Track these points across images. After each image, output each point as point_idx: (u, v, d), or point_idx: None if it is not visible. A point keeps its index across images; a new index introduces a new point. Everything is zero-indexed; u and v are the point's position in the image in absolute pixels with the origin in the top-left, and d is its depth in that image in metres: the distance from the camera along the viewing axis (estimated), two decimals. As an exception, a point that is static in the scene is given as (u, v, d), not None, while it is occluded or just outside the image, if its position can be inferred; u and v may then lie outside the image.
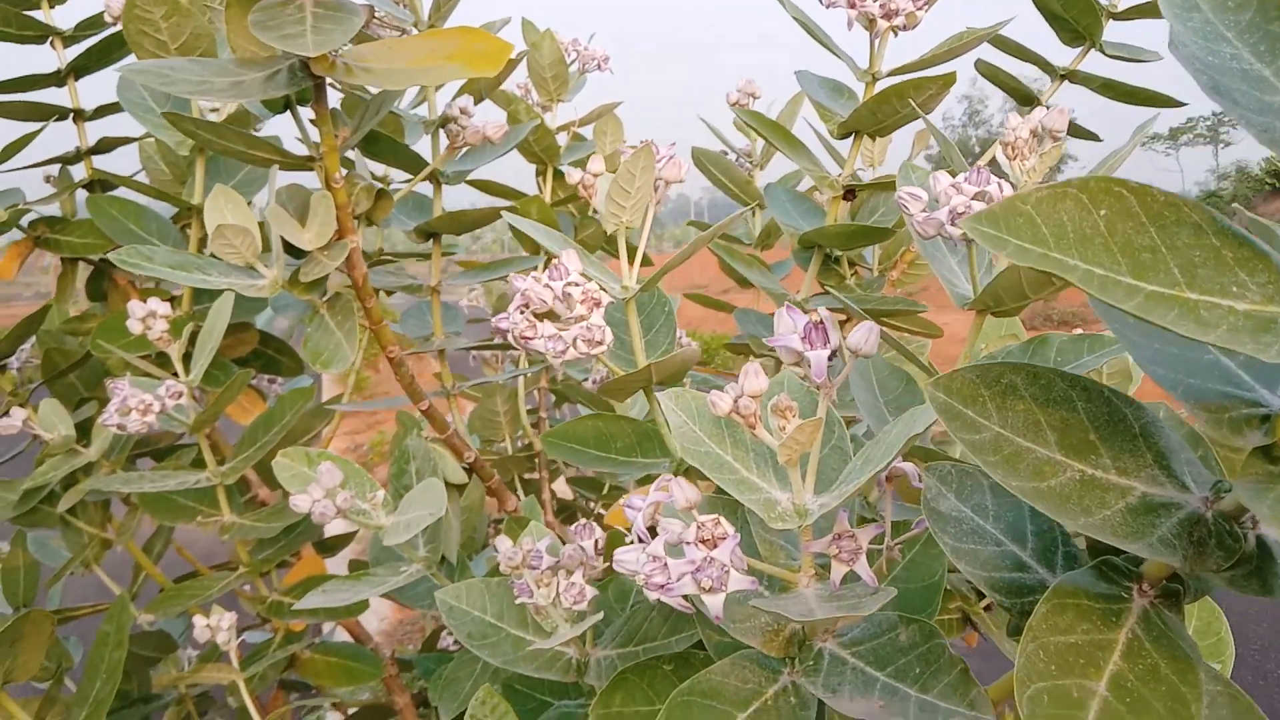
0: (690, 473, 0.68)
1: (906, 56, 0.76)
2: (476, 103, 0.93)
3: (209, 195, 0.70)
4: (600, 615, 0.64)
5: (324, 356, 0.70)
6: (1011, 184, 0.54)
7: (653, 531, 0.43)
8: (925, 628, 0.47)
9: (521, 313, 0.60)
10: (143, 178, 1.11)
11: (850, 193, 0.79)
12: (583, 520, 0.64)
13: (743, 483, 0.45)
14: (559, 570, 0.64)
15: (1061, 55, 0.95)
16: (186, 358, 0.92)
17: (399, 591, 0.83)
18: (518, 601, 0.64)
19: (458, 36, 0.63)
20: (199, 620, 0.91)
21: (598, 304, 0.59)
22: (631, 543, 0.44)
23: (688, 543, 0.41)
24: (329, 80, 0.68)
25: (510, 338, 0.61)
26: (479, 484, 0.95)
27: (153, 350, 0.96)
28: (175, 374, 0.92)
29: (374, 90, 0.79)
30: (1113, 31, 0.91)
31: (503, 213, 0.67)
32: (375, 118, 0.73)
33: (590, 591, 0.63)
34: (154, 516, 1.00)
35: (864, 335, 0.42)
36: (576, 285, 0.60)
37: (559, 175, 1.29)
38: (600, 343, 0.59)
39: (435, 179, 0.84)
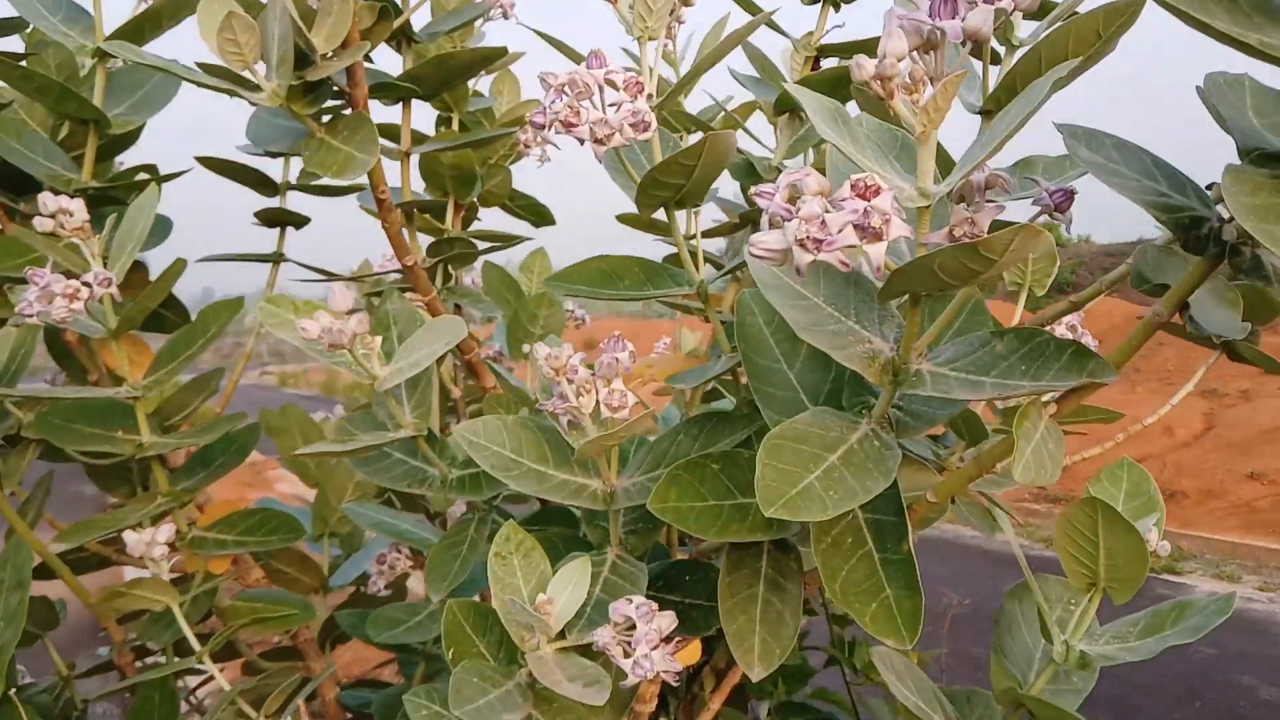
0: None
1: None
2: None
3: (199, 6, 0.63)
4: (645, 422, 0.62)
5: (335, 166, 0.64)
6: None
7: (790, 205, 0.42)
8: (1022, 333, 0.49)
9: (562, 98, 0.59)
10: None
11: (817, 62, 0.82)
12: (615, 333, 0.63)
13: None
14: (597, 380, 0.62)
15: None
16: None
17: (381, 469, 0.77)
18: (555, 410, 0.62)
19: None
20: (131, 536, 0.82)
21: (640, 89, 0.59)
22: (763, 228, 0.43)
23: (844, 198, 0.41)
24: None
25: (548, 128, 0.59)
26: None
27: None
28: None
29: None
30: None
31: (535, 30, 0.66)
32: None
33: (631, 397, 0.62)
34: (57, 440, 0.89)
35: (982, 18, 0.44)
36: (617, 72, 0.59)
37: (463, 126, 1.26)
38: (647, 126, 0.58)
39: (406, 36, 0.80)
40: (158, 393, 0.89)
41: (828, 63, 0.83)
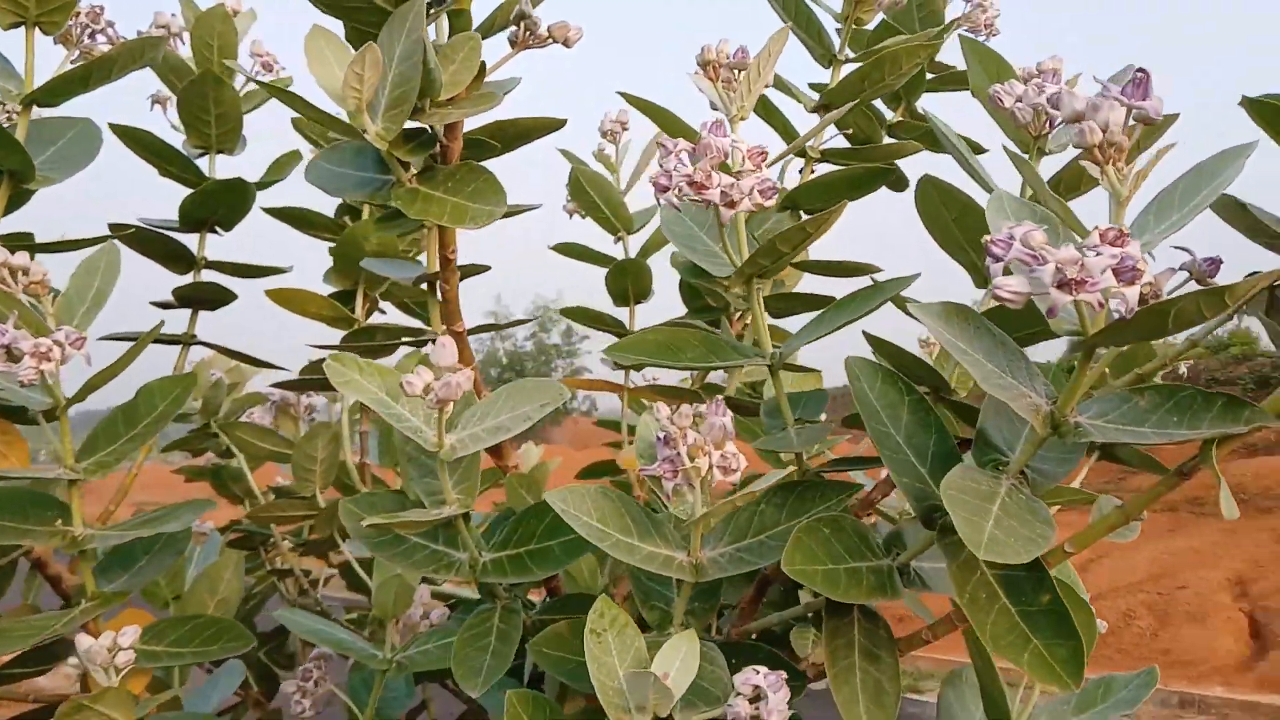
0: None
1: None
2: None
3: (306, 36, 0.57)
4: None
5: (445, 215, 0.58)
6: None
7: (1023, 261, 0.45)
8: (1163, 388, 0.54)
9: (693, 163, 0.59)
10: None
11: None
12: (718, 398, 0.62)
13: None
14: (704, 445, 0.60)
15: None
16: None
17: (399, 554, 0.70)
18: (663, 474, 0.59)
19: None
20: (86, 640, 0.69)
21: (764, 158, 0.61)
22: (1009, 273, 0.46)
23: (1095, 245, 0.44)
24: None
25: (672, 191, 0.60)
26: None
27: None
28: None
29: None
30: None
31: (621, 93, 0.66)
32: None
33: (742, 460, 0.61)
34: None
35: (1160, 102, 0.50)
36: (742, 141, 0.61)
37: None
38: (774, 193, 0.60)
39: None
40: (101, 475, 0.77)
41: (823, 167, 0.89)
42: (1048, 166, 0.73)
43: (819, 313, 0.71)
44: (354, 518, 0.72)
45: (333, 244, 1.06)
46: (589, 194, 1.11)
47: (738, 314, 1.04)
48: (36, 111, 0.90)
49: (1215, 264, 0.52)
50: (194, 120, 1.03)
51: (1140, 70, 0.49)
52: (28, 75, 0.86)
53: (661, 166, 0.61)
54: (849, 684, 0.61)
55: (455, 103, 0.61)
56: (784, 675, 0.57)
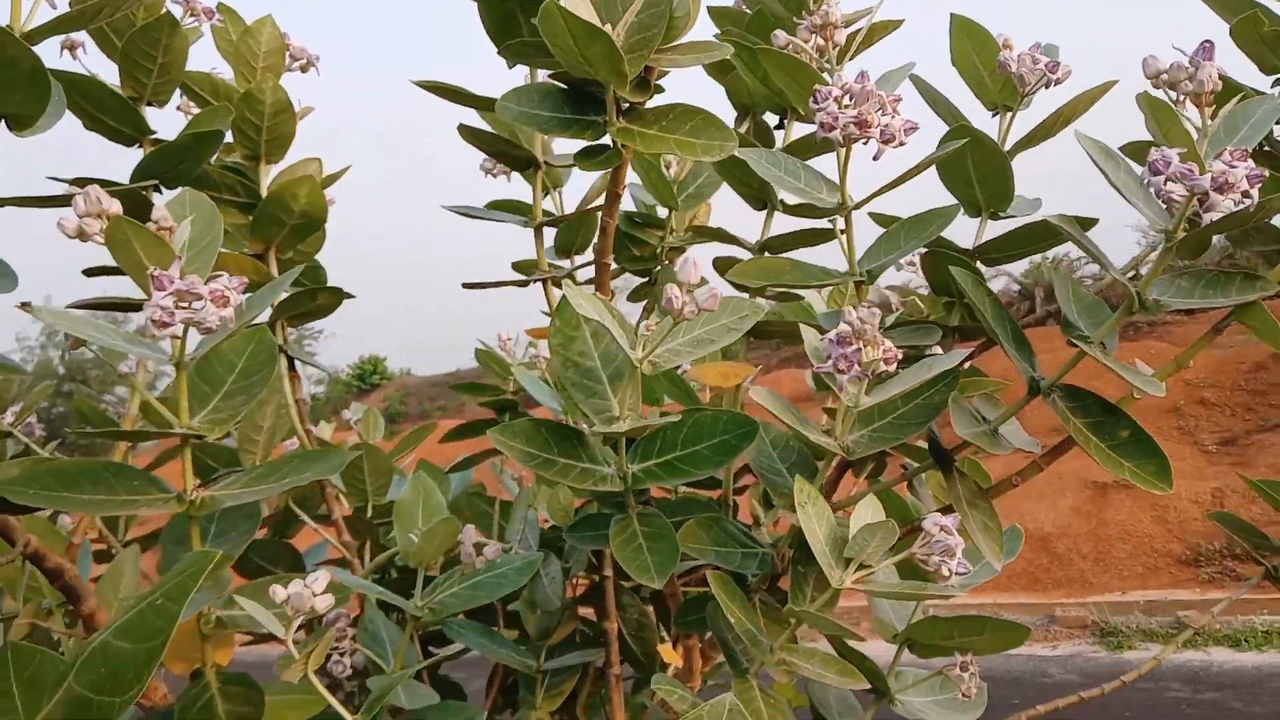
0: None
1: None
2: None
3: None
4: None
5: (691, 147, 0.61)
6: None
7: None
8: (1195, 272, 0.75)
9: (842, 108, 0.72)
10: None
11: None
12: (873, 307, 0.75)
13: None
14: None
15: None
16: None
17: (560, 470, 0.75)
18: (844, 370, 0.71)
19: None
20: (280, 591, 0.67)
21: (899, 103, 0.74)
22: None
23: (1230, 163, 0.63)
24: None
25: (838, 130, 0.72)
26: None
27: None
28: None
29: None
30: None
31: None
32: None
33: (899, 353, 0.74)
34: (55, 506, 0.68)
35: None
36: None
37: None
38: (915, 129, 0.74)
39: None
40: (219, 433, 0.73)
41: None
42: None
43: (887, 234, 0.85)
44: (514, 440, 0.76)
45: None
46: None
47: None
48: None
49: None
50: (134, 68, 0.96)
51: (1208, 41, 0.69)
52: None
53: (822, 108, 0.72)
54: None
55: (679, 50, 0.67)
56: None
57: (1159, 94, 0.70)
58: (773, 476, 0.82)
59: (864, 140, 0.73)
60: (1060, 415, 0.75)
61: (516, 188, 1.25)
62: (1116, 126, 0.88)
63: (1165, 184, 0.64)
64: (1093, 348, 0.74)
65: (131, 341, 0.69)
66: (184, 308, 0.62)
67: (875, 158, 0.73)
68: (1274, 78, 0.84)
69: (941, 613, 0.91)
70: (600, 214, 0.77)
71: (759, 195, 0.98)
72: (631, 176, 1.21)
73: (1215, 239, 0.79)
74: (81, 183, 0.84)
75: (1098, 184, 0.75)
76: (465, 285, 1.22)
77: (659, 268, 1.17)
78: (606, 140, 0.68)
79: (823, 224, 0.96)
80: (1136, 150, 0.87)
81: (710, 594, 0.83)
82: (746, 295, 0.82)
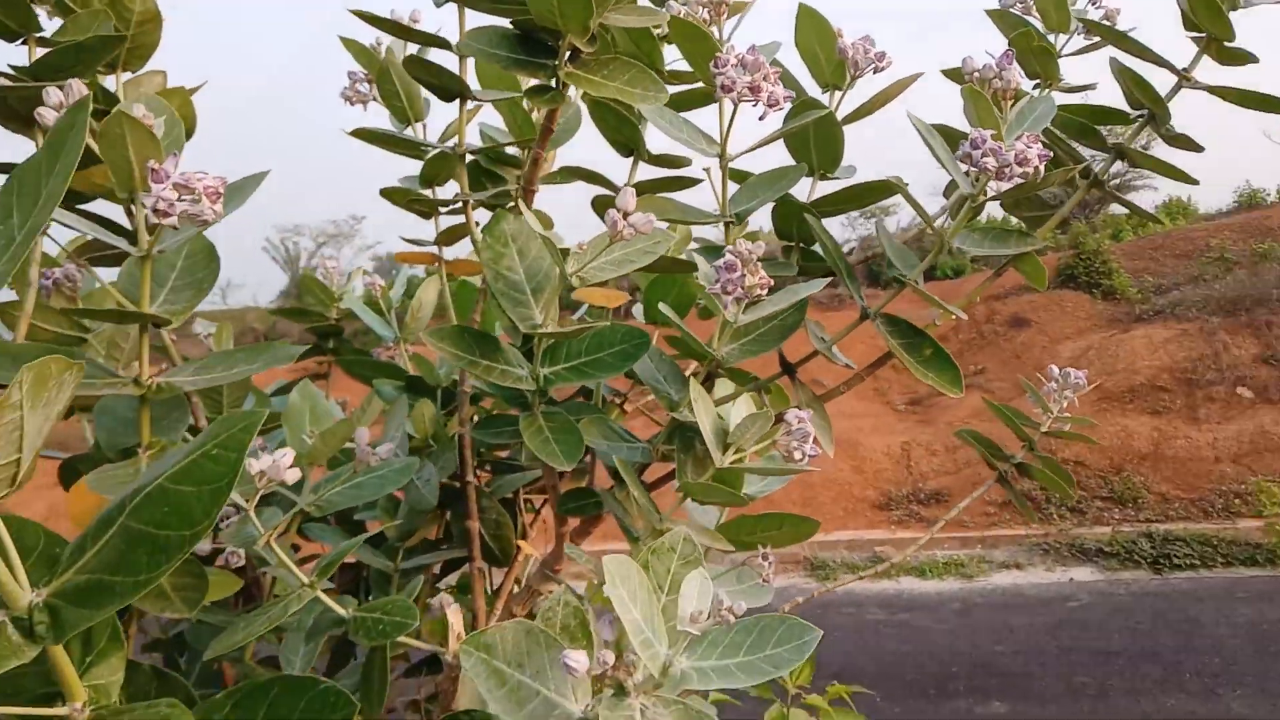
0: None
1: None
2: None
3: None
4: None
5: (631, 95, 0.70)
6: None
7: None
8: (984, 228, 0.98)
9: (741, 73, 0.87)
10: None
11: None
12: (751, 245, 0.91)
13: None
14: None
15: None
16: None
17: (485, 370, 0.86)
18: (727, 292, 0.87)
19: None
20: (255, 463, 0.74)
21: (778, 74, 0.91)
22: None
23: (1025, 144, 0.84)
24: None
25: (736, 91, 0.87)
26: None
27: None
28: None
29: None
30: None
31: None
32: None
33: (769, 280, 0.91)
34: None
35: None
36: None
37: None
38: (791, 99, 0.90)
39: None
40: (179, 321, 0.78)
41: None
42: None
43: (746, 185, 1.02)
44: (445, 342, 0.86)
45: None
46: (393, 82, 1.23)
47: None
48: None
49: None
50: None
51: (1010, 49, 0.90)
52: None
53: (722, 73, 0.87)
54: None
55: (620, 9, 0.78)
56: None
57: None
58: (654, 383, 0.97)
59: (754, 103, 0.88)
60: (883, 335, 0.96)
61: (372, 118, 1.31)
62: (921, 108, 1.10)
63: (981, 157, 0.85)
64: (909, 282, 0.95)
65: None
66: (184, 200, 0.67)
67: (761, 118, 0.89)
68: (1034, 82, 1.09)
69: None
70: (533, 146, 0.88)
71: (627, 144, 1.11)
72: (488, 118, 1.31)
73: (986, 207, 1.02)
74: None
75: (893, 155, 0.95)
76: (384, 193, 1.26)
77: (511, 204, 1.28)
78: (551, 82, 0.79)
79: (684, 173, 1.11)
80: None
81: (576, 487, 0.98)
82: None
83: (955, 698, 3.88)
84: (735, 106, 0.90)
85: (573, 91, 1.04)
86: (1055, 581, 5.88)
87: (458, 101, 0.99)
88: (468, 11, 0.88)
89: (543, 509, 1.36)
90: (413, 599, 1.24)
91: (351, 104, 1.29)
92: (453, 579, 1.36)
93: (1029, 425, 1.30)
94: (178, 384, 0.77)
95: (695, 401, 0.87)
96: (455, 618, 0.80)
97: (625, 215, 0.78)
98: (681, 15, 0.92)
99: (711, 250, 1.00)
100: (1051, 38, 1.10)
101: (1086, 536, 6.57)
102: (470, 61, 0.93)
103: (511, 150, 1.26)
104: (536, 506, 1.37)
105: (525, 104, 1.20)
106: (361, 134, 1.25)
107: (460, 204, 1.01)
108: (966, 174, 0.90)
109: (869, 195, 1.04)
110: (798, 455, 0.88)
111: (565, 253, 0.85)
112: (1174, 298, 10.71)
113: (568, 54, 0.79)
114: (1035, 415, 1.31)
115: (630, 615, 0.58)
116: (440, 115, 1.46)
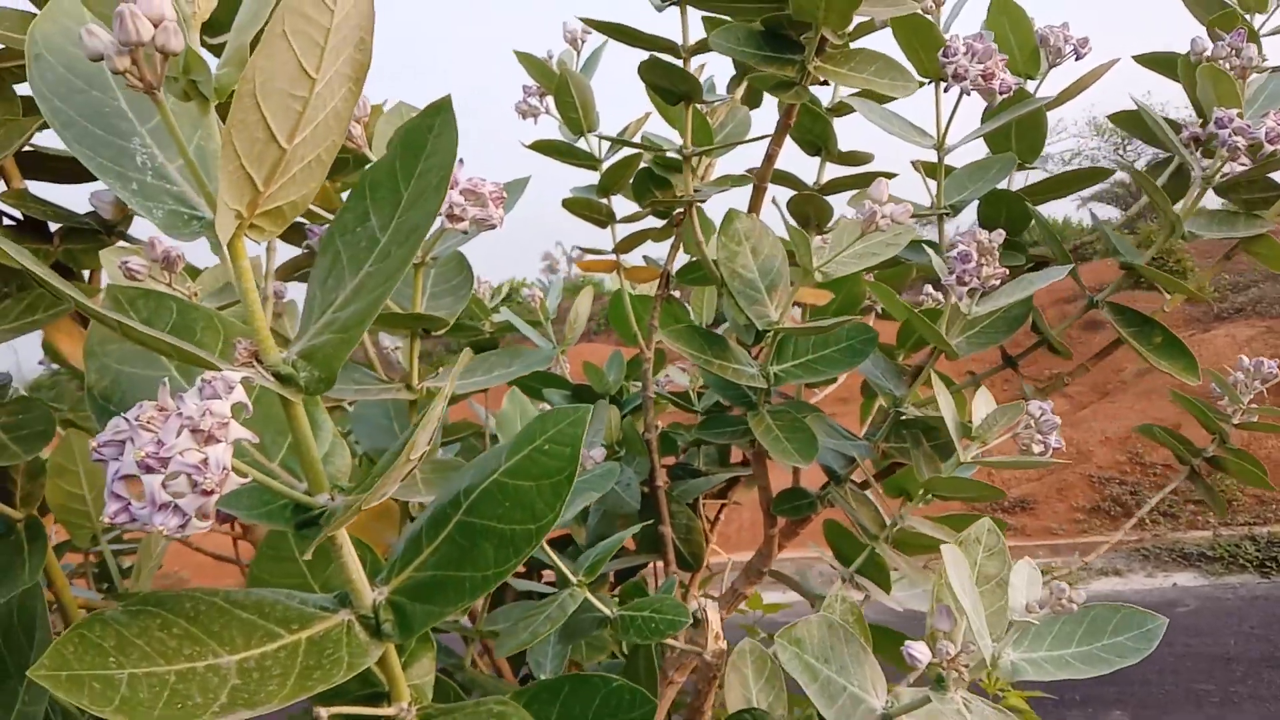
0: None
1: None
2: None
3: None
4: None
5: (878, 87, 0.71)
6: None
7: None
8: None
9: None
10: None
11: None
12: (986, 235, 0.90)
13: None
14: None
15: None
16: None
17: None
18: (961, 281, 0.86)
19: None
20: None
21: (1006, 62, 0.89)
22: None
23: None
24: None
25: (970, 80, 0.86)
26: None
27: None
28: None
29: None
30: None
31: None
32: None
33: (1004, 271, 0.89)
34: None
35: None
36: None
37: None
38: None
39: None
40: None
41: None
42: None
43: (952, 178, 1.00)
44: (679, 342, 0.86)
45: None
46: (570, 94, 1.24)
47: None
48: None
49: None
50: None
51: (1242, 28, 0.88)
52: None
53: (953, 62, 0.86)
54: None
55: (873, 1, 0.78)
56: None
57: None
58: (875, 380, 0.96)
59: (986, 90, 0.87)
60: (1111, 323, 0.94)
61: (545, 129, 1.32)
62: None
63: (1230, 135, 0.83)
64: (1141, 267, 0.93)
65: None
66: (473, 204, 0.68)
67: (989, 105, 0.88)
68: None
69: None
70: (769, 144, 0.88)
71: (816, 141, 1.11)
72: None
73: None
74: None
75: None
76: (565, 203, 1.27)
77: (679, 210, 1.28)
78: (797, 76, 0.79)
79: (872, 169, 1.10)
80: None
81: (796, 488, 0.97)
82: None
83: (1072, 707, 3.78)
84: (960, 96, 0.89)
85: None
86: (1158, 587, 5.72)
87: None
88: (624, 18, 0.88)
89: (720, 514, 1.36)
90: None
91: (524, 118, 1.30)
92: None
93: (1220, 418, 1.26)
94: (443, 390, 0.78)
95: (941, 390, 0.85)
96: (714, 616, 0.79)
97: (880, 205, 0.78)
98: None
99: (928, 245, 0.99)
100: (1248, 19, 1.08)
101: (1185, 541, 6.39)
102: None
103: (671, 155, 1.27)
104: (712, 516, 1.36)
105: (702, 109, 1.20)
106: (540, 146, 1.26)
107: (648, 211, 1.02)
108: (1200, 155, 0.88)
109: (1077, 182, 1.03)
110: (1038, 449, 0.87)
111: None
112: (1254, 294, 10.40)
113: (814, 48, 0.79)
114: (1221, 407, 1.27)
115: (968, 603, 0.57)
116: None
